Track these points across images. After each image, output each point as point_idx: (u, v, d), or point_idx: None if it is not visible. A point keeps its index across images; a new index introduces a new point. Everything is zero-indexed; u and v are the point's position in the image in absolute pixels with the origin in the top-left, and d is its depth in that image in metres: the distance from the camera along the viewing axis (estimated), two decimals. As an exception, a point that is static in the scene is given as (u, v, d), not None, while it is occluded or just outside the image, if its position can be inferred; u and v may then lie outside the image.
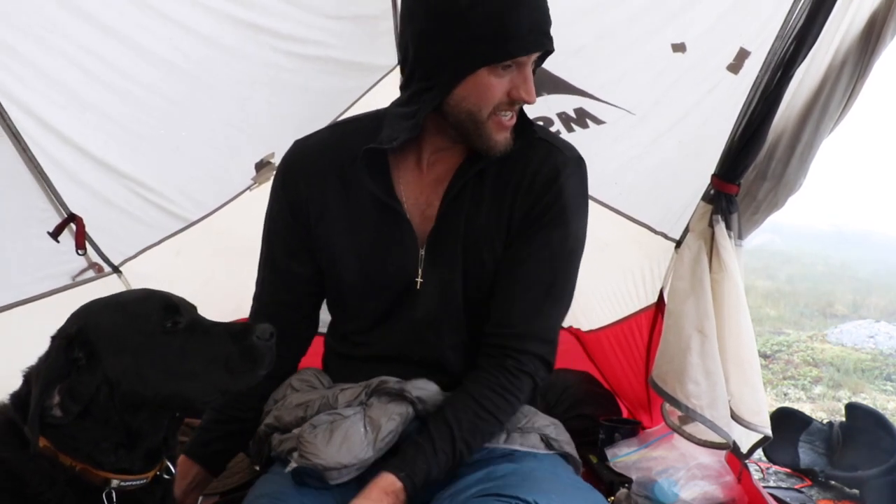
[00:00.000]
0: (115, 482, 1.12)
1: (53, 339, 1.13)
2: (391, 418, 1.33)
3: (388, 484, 1.24)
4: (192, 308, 1.21)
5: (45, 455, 1.09)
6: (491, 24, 1.21)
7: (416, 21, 1.27)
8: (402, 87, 1.35)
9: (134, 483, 1.15)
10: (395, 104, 1.38)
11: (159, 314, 1.13)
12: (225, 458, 1.56)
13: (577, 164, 1.41)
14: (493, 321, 1.40)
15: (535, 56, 1.29)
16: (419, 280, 1.40)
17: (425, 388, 1.38)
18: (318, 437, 1.30)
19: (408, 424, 1.36)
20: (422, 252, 1.40)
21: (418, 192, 1.42)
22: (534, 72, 1.31)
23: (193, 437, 1.52)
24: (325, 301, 1.57)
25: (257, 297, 1.55)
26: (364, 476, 1.33)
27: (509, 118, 1.32)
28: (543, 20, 1.27)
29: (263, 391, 1.49)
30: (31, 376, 1.11)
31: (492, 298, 1.40)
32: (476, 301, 1.42)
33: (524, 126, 1.38)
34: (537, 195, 1.37)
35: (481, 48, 1.23)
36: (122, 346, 1.10)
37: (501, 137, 1.33)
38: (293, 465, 1.30)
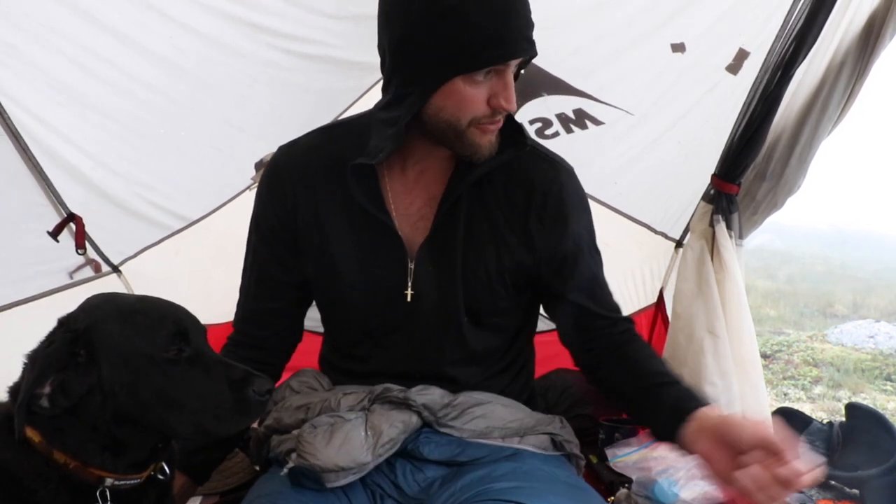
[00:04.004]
0: (108, 481, 1.12)
1: (60, 324, 1.12)
2: (393, 425, 1.32)
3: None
4: (203, 333, 1.19)
5: (40, 452, 1.09)
6: (465, 31, 1.15)
7: (391, 28, 1.23)
8: (383, 90, 1.32)
9: (128, 482, 1.14)
10: (378, 107, 1.33)
11: (167, 339, 1.12)
12: (209, 468, 1.53)
13: (571, 172, 1.44)
14: (590, 311, 1.43)
15: (514, 63, 1.24)
16: (409, 292, 1.37)
17: (429, 395, 1.37)
18: (317, 438, 1.29)
19: (411, 433, 1.35)
20: (411, 265, 1.37)
21: (408, 202, 1.39)
22: (517, 77, 1.26)
23: (179, 446, 1.49)
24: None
25: (241, 305, 1.51)
26: (366, 479, 1.32)
27: (493, 124, 1.28)
28: (523, 24, 1.20)
29: None
30: (30, 360, 1.11)
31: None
32: (477, 313, 1.40)
33: (514, 132, 1.34)
34: (548, 201, 1.38)
35: (454, 57, 1.18)
36: (123, 360, 1.09)
37: (485, 141, 1.28)
38: (290, 464, 1.29)
